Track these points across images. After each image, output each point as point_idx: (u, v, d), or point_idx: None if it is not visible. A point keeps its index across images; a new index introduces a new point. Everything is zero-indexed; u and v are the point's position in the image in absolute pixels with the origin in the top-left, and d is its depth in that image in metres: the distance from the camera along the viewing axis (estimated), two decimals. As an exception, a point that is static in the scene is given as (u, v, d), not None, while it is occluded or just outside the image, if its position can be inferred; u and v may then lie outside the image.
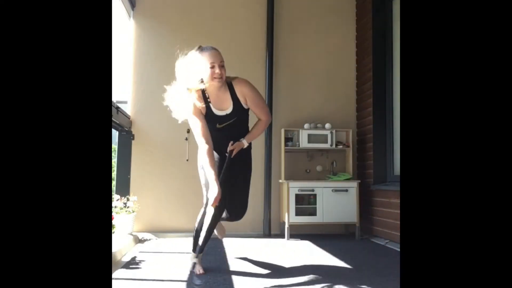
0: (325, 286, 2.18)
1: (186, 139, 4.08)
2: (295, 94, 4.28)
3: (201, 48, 2.41)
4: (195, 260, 2.46)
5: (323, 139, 3.97)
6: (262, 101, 2.52)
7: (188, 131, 4.09)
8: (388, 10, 3.96)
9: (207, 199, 2.31)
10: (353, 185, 3.85)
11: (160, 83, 4.10)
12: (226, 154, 2.47)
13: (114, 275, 2.34)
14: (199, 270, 2.39)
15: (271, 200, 4.09)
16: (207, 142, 2.32)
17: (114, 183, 4.01)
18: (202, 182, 2.50)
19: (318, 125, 4.07)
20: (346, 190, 3.83)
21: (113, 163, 4.07)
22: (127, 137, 4.03)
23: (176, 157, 4.08)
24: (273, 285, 2.19)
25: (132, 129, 4.04)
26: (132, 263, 2.66)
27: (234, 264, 2.66)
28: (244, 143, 2.49)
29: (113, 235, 3.04)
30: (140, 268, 2.54)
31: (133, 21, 4.14)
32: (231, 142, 2.47)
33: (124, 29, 4.18)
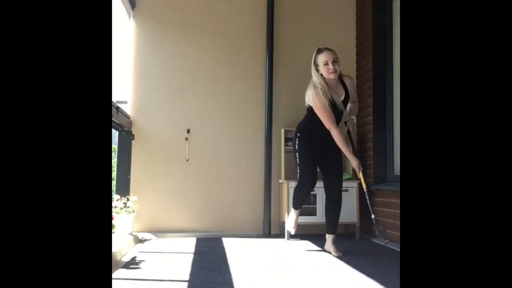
0: (324, 286, 2.18)
1: (186, 139, 4.08)
2: (295, 94, 4.27)
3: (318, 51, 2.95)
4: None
5: (323, 139, 3.97)
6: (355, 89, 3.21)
7: (188, 131, 4.09)
8: (388, 10, 3.96)
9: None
10: (353, 185, 3.85)
11: (160, 83, 4.14)
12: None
13: (114, 275, 2.34)
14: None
15: (271, 200, 4.09)
16: (337, 126, 2.91)
17: (114, 183, 4.01)
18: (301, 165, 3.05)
19: (318, 125, 4.06)
20: (346, 190, 3.83)
21: (113, 163, 4.07)
22: (127, 137, 4.03)
23: (176, 157, 4.08)
24: (273, 285, 2.19)
25: (132, 129, 4.04)
26: (132, 263, 2.66)
27: (234, 264, 2.66)
28: (353, 118, 3.16)
29: (113, 235, 3.03)
30: (140, 268, 2.54)
31: (133, 21, 4.14)
32: (344, 122, 3.16)
33: (124, 29, 4.18)
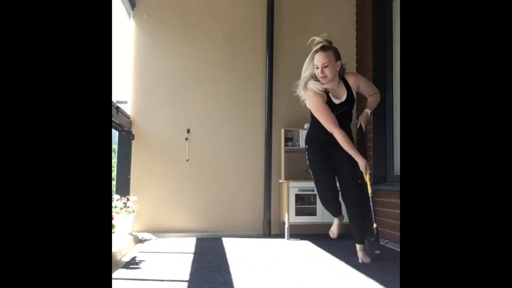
0: (324, 286, 2.18)
1: (186, 139, 4.08)
2: (295, 94, 4.27)
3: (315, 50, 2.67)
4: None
5: (323, 139, 3.97)
6: (370, 82, 2.96)
7: (188, 131, 4.09)
8: (388, 10, 3.96)
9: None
10: (354, 185, 3.84)
11: (160, 83, 4.14)
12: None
13: (114, 275, 2.34)
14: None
15: (271, 200, 4.09)
16: (339, 126, 2.65)
17: (114, 183, 4.01)
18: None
19: (318, 125, 4.07)
20: (346, 190, 3.82)
21: (113, 163, 4.07)
22: (127, 137, 4.03)
23: (176, 157, 4.07)
24: (273, 285, 2.19)
25: (132, 129, 4.04)
26: (132, 263, 2.66)
27: (234, 264, 2.66)
28: (368, 111, 2.85)
29: (113, 235, 3.03)
30: (140, 268, 2.54)
31: (133, 21, 4.14)
32: (357, 120, 2.90)
33: (124, 29, 4.18)
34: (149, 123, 4.08)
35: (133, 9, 4.12)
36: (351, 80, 2.76)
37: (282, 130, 4.06)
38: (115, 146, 4.13)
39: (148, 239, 3.74)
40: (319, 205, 3.79)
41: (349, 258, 2.86)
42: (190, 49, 4.19)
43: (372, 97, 2.88)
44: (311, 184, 3.84)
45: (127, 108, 4.07)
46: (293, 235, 3.82)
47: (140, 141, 4.05)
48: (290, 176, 4.03)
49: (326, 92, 2.69)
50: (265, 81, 4.16)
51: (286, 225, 3.77)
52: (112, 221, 2.97)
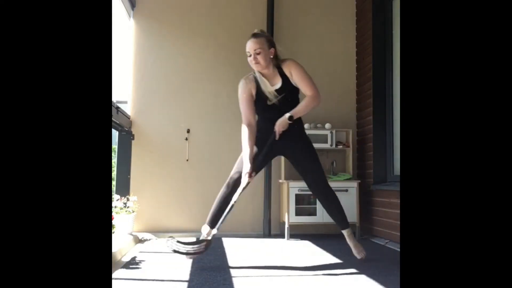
0: (324, 286, 2.18)
1: (186, 139, 4.08)
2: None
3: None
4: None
5: (323, 139, 3.97)
6: (307, 76, 2.60)
7: (188, 131, 4.09)
8: (388, 10, 3.96)
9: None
10: (353, 185, 3.85)
11: (160, 83, 4.14)
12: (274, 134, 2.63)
13: (114, 275, 2.34)
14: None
15: (271, 200, 4.09)
16: (248, 124, 2.59)
17: (114, 183, 4.01)
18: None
19: (318, 125, 4.07)
20: (346, 190, 3.83)
21: (113, 163, 4.07)
22: (127, 137, 4.03)
23: (176, 157, 4.07)
24: (273, 285, 2.19)
25: (132, 129, 4.04)
26: (132, 263, 2.66)
27: (234, 264, 2.66)
28: (286, 115, 2.55)
29: (113, 235, 3.03)
30: (140, 268, 2.54)
31: (133, 21, 4.14)
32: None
33: (124, 29, 4.19)
34: (149, 123, 4.08)
35: (133, 9, 4.12)
36: (284, 67, 2.60)
37: (282, 130, 4.05)
38: (115, 146, 4.13)
39: (148, 239, 3.74)
40: (319, 205, 3.79)
41: (349, 258, 2.86)
42: (190, 49, 4.19)
43: (305, 99, 2.60)
44: (311, 184, 3.85)
45: (127, 108, 4.07)
46: (293, 235, 3.82)
47: (140, 141, 4.05)
48: (290, 176, 4.03)
49: (256, 83, 2.62)
50: (265, 81, 4.16)
51: (286, 225, 3.77)
52: (112, 221, 2.97)
